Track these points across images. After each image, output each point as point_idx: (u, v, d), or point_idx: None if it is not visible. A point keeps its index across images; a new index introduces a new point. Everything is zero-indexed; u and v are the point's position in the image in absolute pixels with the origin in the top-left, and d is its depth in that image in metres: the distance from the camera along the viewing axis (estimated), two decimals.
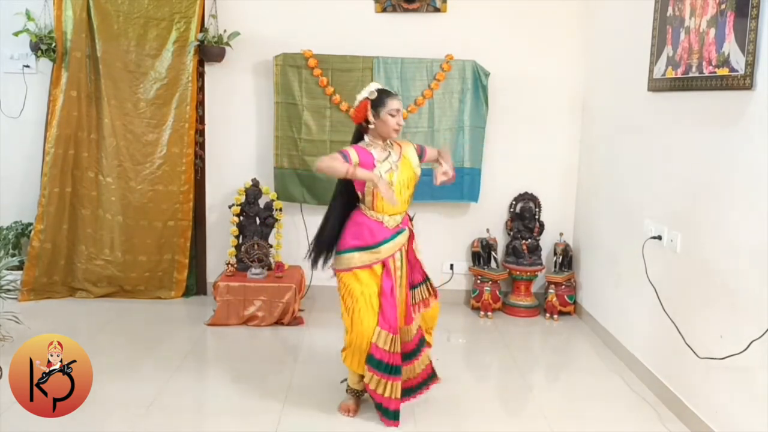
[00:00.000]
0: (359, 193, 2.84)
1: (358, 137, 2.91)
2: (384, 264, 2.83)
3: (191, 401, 3.13)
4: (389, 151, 2.84)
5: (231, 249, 4.36)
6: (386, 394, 2.86)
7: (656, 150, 3.31)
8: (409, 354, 2.95)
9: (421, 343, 3.00)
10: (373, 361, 2.82)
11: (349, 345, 2.86)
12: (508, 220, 4.58)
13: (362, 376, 2.90)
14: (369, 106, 2.79)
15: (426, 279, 2.97)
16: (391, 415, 2.89)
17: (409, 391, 3.01)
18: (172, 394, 3.11)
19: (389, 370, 2.83)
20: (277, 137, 4.42)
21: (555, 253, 4.48)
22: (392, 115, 2.78)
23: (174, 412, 2.95)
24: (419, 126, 4.39)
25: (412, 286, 2.94)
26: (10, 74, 4.49)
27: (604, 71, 4.13)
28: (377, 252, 2.81)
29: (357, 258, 2.81)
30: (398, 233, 2.85)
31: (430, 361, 3.10)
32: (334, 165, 2.72)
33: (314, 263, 2.95)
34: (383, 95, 2.80)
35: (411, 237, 2.93)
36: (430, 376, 3.10)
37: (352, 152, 2.76)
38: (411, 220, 2.98)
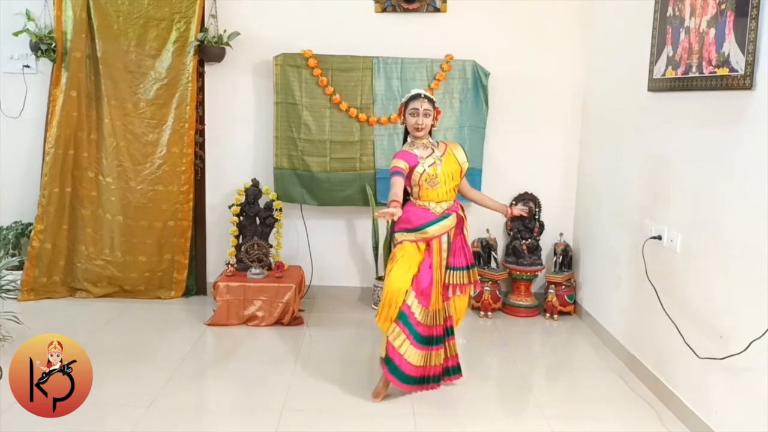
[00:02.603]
0: (408, 188, 3.13)
1: (405, 136, 3.24)
2: (428, 244, 3.09)
3: (191, 401, 3.13)
4: (433, 149, 3.14)
5: (231, 249, 4.36)
6: (414, 362, 3.04)
7: (656, 150, 3.31)
8: (432, 339, 3.12)
9: (448, 332, 3.18)
10: (403, 317, 3.01)
11: (381, 303, 3.06)
12: (508, 220, 4.58)
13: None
14: (403, 109, 3.15)
15: (469, 266, 3.16)
16: (407, 379, 3.05)
17: (430, 380, 3.13)
18: (172, 394, 3.11)
19: (427, 341, 3.06)
20: (277, 137, 4.42)
21: (555, 253, 4.48)
22: (411, 115, 3.10)
23: (174, 412, 2.95)
24: None
25: (450, 268, 3.12)
26: (10, 74, 4.50)
27: (604, 71, 4.13)
28: (424, 233, 3.09)
29: (405, 236, 3.12)
30: (445, 217, 3.10)
31: (457, 354, 3.25)
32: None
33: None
34: (409, 98, 3.13)
35: (460, 223, 3.14)
36: (455, 369, 3.25)
37: (399, 163, 3.08)
38: (462, 209, 3.21)
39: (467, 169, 3.21)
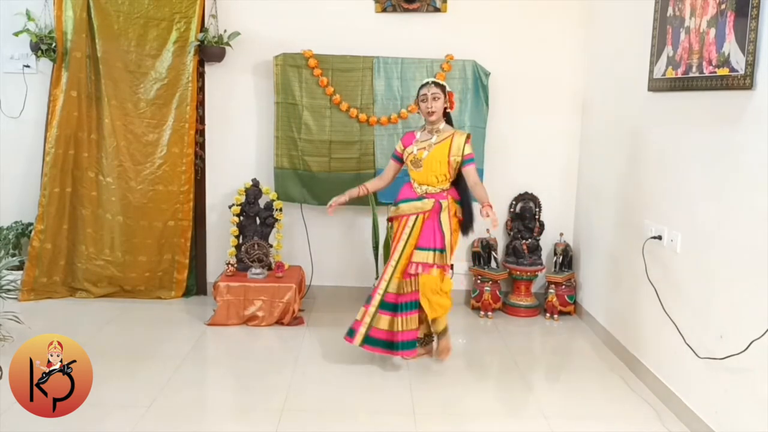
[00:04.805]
0: None
1: None
2: (400, 220, 3.40)
3: (191, 401, 3.12)
4: (434, 135, 3.39)
5: (231, 249, 4.36)
6: (389, 328, 3.39)
7: (656, 150, 3.31)
8: (397, 306, 3.37)
9: (413, 305, 3.36)
10: (382, 305, 3.42)
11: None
12: (508, 220, 4.58)
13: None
14: (417, 99, 3.42)
15: (438, 249, 3.34)
16: (395, 346, 3.37)
17: (391, 345, 3.38)
18: (172, 394, 3.11)
19: (392, 308, 3.39)
20: (278, 137, 4.42)
21: (555, 253, 4.48)
22: (422, 101, 3.37)
23: (174, 412, 2.95)
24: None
25: (418, 248, 3.35)
26: (10, 74, 4.50)
27: (604, 71, 4.13)
28: (397, 208, 3.44)
29: (391, 211, 3.53)
30: (420, 199, 3.37)
31: (418, 328, 3.44)
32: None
33: None
34: (420, 87, 3.41)
35: (438, 209, 3.35)
36: (414, 342, 3.42)
37: (397, 145, 3.53)
38: (453, 201, 3.40)
39: (457, 164, 3.35)
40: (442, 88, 3.35)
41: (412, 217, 3.37)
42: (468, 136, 3.40)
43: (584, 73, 4.45)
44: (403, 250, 3.37)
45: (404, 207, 3.40)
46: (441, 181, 3.37)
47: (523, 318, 4.38)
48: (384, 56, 4.37)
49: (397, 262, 3.38)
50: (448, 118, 3.47)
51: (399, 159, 3.49)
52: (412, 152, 3.38)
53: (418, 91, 3.40)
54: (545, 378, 3.60)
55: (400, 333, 3.35)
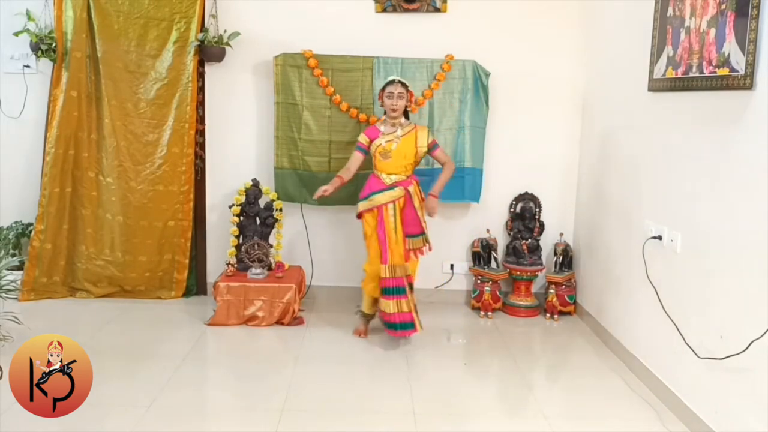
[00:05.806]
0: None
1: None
2: (378, 210, 3.67)
3: (191, 401, 3.13)
4: (398, 128, 3.73)
5: (231, 249, 4.36)
6: (397, 310, 3.63)
7: (656, 150, 3.31)
8: (400, 290, 3.67)
9: (411, 287, 3.71)
10: (385, 291, 3.66)
11: (367, 274, 3.76)
12: (508, 220, 4.58)
13: (375, 302, 3.79)
14: (381, 94, 3.74)
15: (422, 233, 3.70)
16: (401, 327, 3.64)
17: (406, 326, 3.65)
18: (172, 394, 3.11)
19: (397, 291, 3.63)
20: (278, 137, 4.42)
21: (555, 253, 4.48)
22: (388, 97, 3.69)
23: (174, 412, 2.95)
24: None
25: (409, 236, 3.69)
26: (11, 74, 4.49)
27: (604, 71, 4.13)
28: (372, 200, 3.70)
29: (362, 205, 3.74)
30: (392, 188, 3.69)
31: (416, 310, 3.72)
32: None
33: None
34: (386, 84, 3.73)
35: (409, 197, 3.67)
36: (414, 323, 3.68)
37: (362, 138, 3.79)
38: (418, 184, 3.75)
39: (423, 154, 3.76)
40: (406, 87, 3.70)
41: (390, 206, 3.67)
42: (428, 129, 3.87)
43: (584, 73, 4.45)
44: (395, 235, 3.66)
45: (379, 197, 3.67)
46: (407, 169, 3.73)
47: (523, 318, 4.38)
48: (384, 56, 4.36)
49: (394, 247, 3.66)
50: (405, 113, 3.80)
51: (364, 150, 3.76)
52: (380, 144, 3.69)
53: (385, 86, 3.71)
54: (545, 378, 3.60)
55: (398, 315, 3.67)
